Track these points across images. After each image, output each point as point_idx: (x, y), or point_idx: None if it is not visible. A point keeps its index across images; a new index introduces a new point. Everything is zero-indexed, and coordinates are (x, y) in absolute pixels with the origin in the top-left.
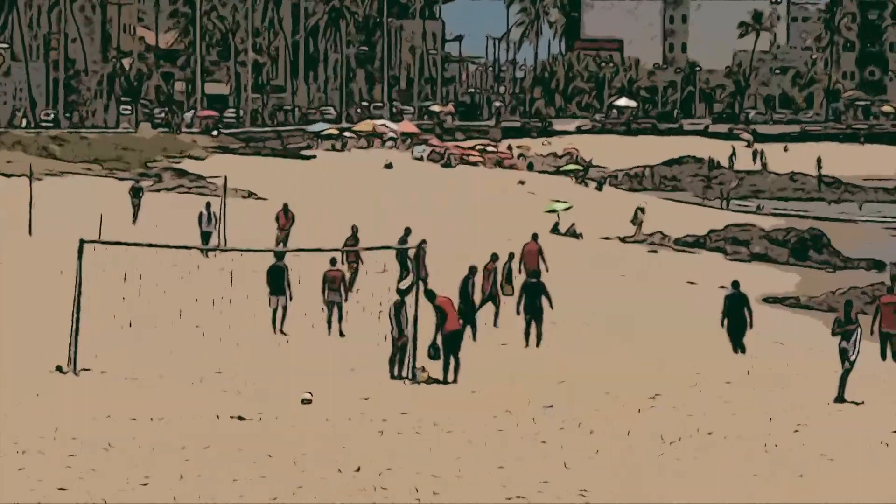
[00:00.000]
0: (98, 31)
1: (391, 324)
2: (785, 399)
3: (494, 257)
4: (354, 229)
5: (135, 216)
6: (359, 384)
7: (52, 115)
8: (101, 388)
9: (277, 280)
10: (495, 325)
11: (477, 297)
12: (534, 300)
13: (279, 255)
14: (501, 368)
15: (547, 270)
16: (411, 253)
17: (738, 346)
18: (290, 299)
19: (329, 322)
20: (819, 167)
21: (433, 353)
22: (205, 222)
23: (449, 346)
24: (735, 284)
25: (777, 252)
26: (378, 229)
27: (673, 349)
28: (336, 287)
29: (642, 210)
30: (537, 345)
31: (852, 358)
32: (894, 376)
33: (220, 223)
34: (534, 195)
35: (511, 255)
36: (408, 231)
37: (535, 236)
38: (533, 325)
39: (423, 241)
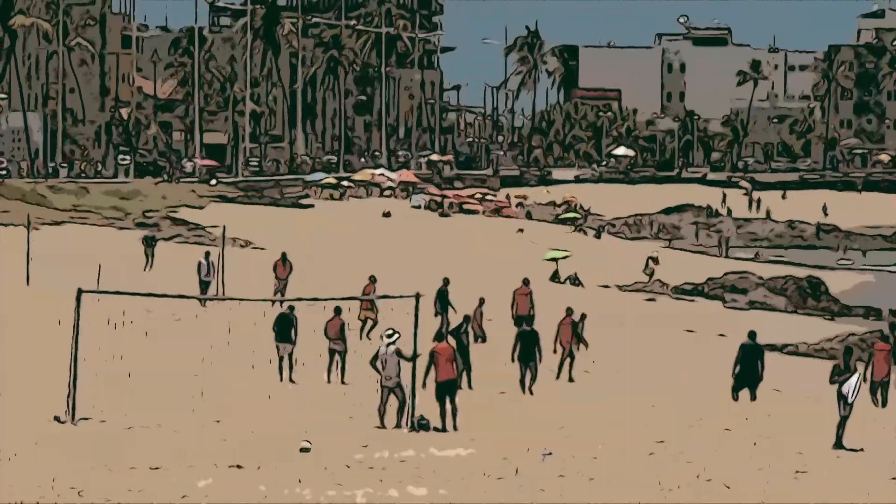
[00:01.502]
0: (96, 81)
1: (378, 369)
2: (784, 446)
3: (482, 301)
4: (372, 279)
5: (149, 264)
6: (358, 432)
7: (54, 166)
8: (100, 438)
9: (285, 328)
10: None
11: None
12: (530, 348)
13: (289, 306)
14: (499, 415)
15: (533, 315)
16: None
17: (752, 396)
18: (294, 346)
19: (329, 370)
20: (825, 213)
21: (417, 426)
22: (203, 272)
23: (441, 393)
24: (752, 335)
25: (775, 300)
26: (377, 276)
27: (672, 396)
28: (336, 336)
29: (655, 259)
30: (531, 385)
31: (851, 403)
32: (891, 423)
33: (219, 272)
34: (534, 244)
35: (582, 316)
36: (446, 281)
37: (526, 281)
38: (528, 372)
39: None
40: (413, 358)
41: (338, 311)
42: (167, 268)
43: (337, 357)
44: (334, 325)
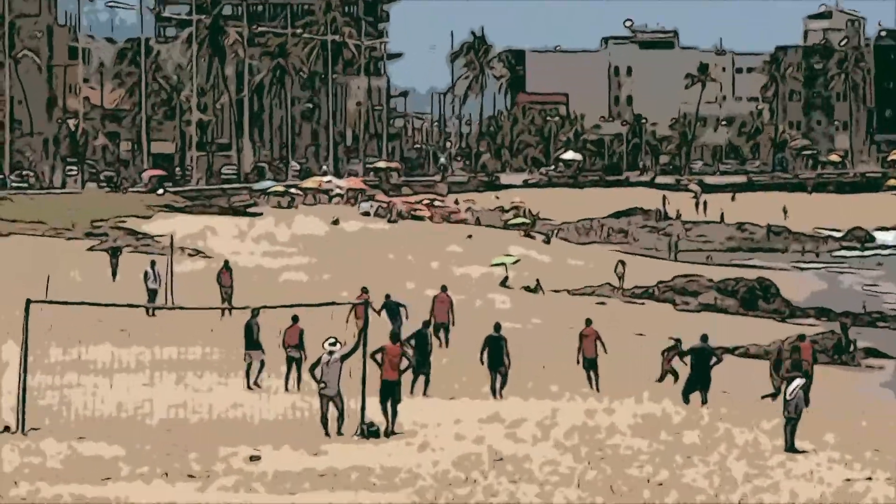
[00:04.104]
0: (43, 92)
1: (317, 378)
2: (736, 449)
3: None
4: (364, 290)
5: (114, 274)
6: (309, 440)
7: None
8: (51, 448)
9: (250, 335)
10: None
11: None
12: (497, 352)
13: (254, 312)
14: (452, 420)
15: (453, 324)
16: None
17: (703, 399)
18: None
19: (287, 378)
20: (785, 215)
21: (367, 432)
22: (150, 280)
23: (383, 393)
24: (704, 338)
25: (726, 302)
26: (326, 284)
27: (623, 399)
28: (295, 343)
29: (623, 263)
30: (500, 395)
31: (796, 405)
32: (844, 424)
33: (167, 282)
34: (480, 248)
35: (785, 352)
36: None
37: (444, 288)
38: (498, 377)
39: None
40: (352, 351)
41: (295, 319)
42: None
43: (294, 364)
44: (292, 333)
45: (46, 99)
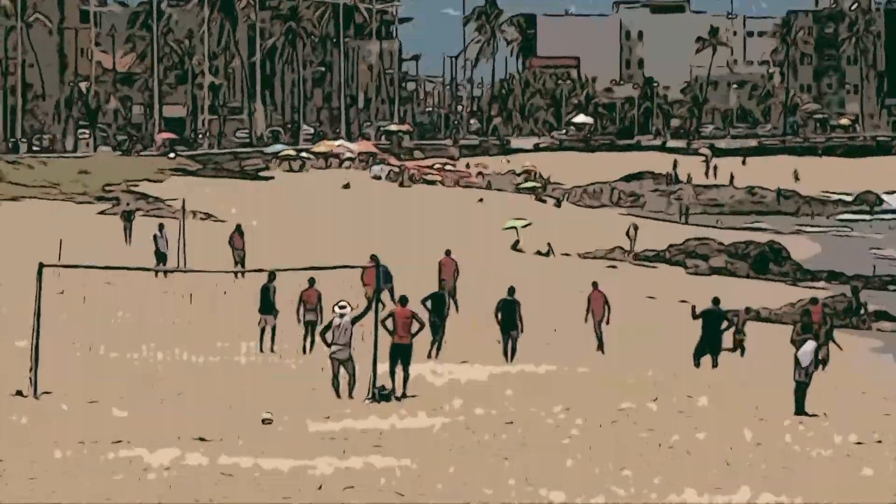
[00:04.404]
0: (55, 56)
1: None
2: (746, 412)
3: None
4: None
5: (128, 238)
6: (321, 403)
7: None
8: (62, 412)
9: (266, 299)
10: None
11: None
12: (511, 316)
13: (270, 275)
14: (462, 385)
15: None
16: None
17: (714, 363)
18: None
19: (305, 341)
20: (796, 179)
21: (379, 396)
22: (161, 244)
23: (393, 357)
24: (715, 301)
25: (737, 265)
26: (337, 248)
27: (634, 363)
28: (313, 307)
29: (636, 227)
30: (511, 359)
31: (805, 368)
32: (856, 389)
33: (180, 245)
34: (491, 212)
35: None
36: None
37: (448, 252)
38: (508, 340)
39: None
40: (363, 314)
41: (311, 282)
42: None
43: (310, 328)
44: (311, 296)
45: (58, 63)
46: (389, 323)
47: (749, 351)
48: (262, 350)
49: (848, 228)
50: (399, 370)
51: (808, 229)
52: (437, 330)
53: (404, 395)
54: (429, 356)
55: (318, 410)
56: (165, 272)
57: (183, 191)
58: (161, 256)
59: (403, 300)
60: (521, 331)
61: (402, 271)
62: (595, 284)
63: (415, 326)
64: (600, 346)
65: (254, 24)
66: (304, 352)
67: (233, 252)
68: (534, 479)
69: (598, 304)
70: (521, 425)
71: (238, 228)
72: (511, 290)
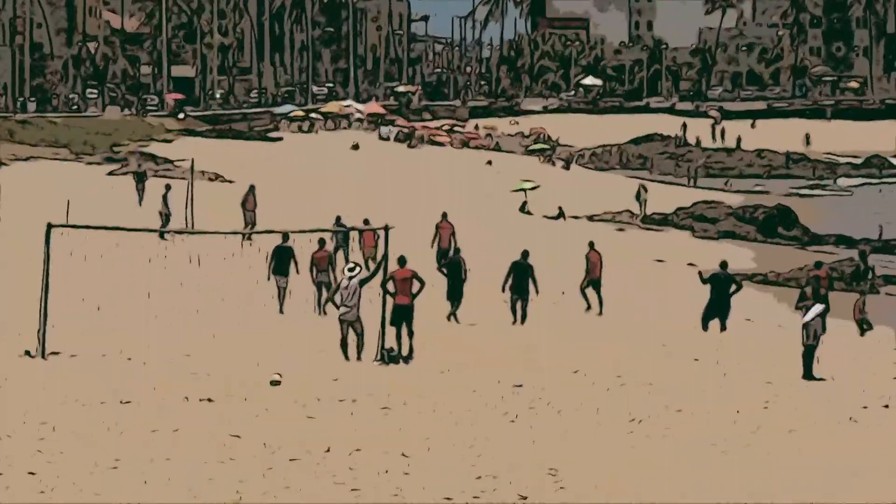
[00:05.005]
0: (63, 15)
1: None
2: (753, 376)
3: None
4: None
5: (140, 199)
6: (329, 365)
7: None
8: (70, 372)
9: (283, 261)
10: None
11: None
12: (522, 279)
13: (285, 237)
14: (470, 348)
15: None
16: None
17: (722, 326)
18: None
19: (319, 303)
20: (808, 142)
21: (387, 358)
22: (164, 206)
23: (395, 318)
24: (723, 265)
25: (745, 229)
26: (346, 210)
27: (641, 327)
28: (324, 268)
29: (645, 188)
30: (522, 323)
31: (814, 332)
32: (864, 352)
33: (188, 206)
34: (500, 174)
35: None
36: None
37: (444, 215)
38: (519, 303)
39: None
40: (371, 276)
41: (321, 243)
42: (134, 201)
43: (322, 289)
44: (322, 257)
45: (66, 22)
46: (390, 285)
47: (756, 315)
48: (281, 311)
49: (849, 193)
50: (404, 331)
51: (816, 192)
52: (453, 294)
53: (410, 356)
54: (448, 318)
55: (327, 372)
56: (173, 233)
57: (192, 151)
58: (165, 218)
59: (402, 260)
60: (537, 292)
61: (410, 232)
62: (591, 244)
63: (415, 286)
64: (600, 307)
65: None
66: (320, 313)
67: (244, 213)
68: (541, 442)
69: (595, 266)
70: (530, 388)
71: (251, 189)
72: (525, 254)
